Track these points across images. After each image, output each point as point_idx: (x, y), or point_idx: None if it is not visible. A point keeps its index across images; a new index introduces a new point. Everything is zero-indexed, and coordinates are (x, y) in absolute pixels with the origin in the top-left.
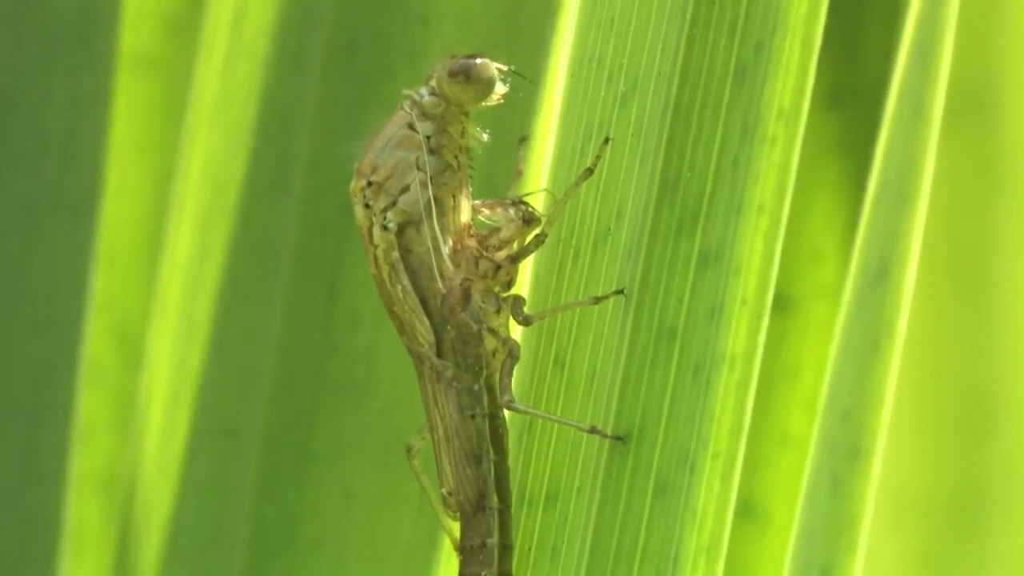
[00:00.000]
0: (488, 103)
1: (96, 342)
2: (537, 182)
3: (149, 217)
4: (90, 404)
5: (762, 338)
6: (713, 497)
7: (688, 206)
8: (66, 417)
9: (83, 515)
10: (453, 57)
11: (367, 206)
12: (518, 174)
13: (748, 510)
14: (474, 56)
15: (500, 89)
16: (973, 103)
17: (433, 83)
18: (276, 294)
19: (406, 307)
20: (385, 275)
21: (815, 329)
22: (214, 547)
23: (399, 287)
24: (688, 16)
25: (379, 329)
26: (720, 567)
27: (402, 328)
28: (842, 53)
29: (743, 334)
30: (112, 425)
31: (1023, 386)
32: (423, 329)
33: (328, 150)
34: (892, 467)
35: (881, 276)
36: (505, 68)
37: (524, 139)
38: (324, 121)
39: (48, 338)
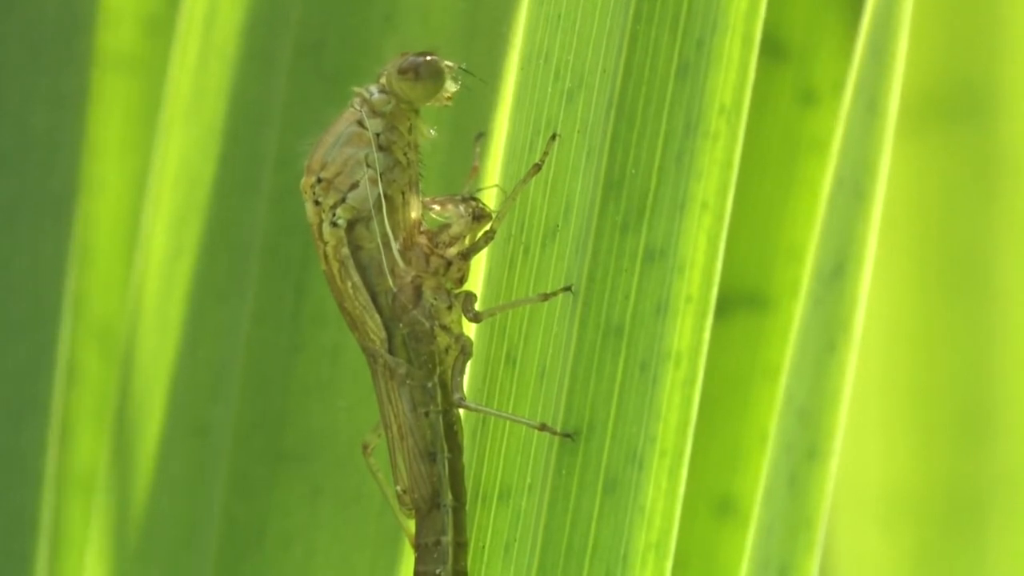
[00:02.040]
0: (438, 102)
1: (75, 341)
2: (494, 178)
3: (126, 216)
4: (70, 403)
5: (707, 335)
6: (661, 494)
7: (633, 203)
8: (47, 416)
9: (61, 513)
10: (403, 55)
11: (317, 203)
12: (474, 170)
13: (727, 508)
14: (424, 54)
15: (450, 87)
16: (973, 102)
17: (383, 80)
18: (246, 292)
19: (357, 303)
20: (335, 271)
21: (792, 328)
22: (185, 545)
23: (349, 283)
24: (631, 13)
25: (345, 328)
26: (669, 563)
27: (353, 324)
28: (821, 50)
29: (688, 331)
30: (91, 424)
31: (1018, 386)
32: (374, 325)
33: (296, 149)
34: (886, 466)
35: (837, 275)
36: (455, 66)
37: (481, 135)
38: (292, 119)
39: (29, 337)
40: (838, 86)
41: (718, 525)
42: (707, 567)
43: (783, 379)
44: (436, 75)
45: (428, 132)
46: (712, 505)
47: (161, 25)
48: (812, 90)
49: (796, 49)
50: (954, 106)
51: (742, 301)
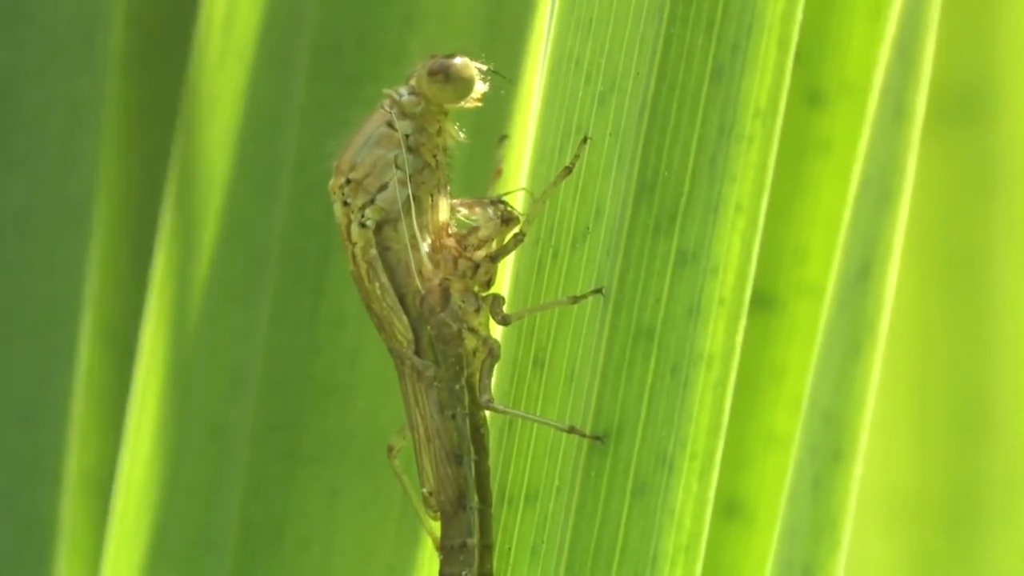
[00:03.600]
0: (467, 103)
1: (89, 343)
2: (517, 181)
3: (139, 217)
4: (84, 405)
5: (740, 338)
6: (691, 496)
7: (666, 205)
8: (62, 418)
9: (76, 515)
10: (433, 56)
11: (346, 203)
12: (498, 173)
13: (733, 509)
14: (454, 55)
15: (479, 88)
16: (972, 103)
17: (413, 82)
18: (263, 295)
19: (384, 304)
20: (363, 272)
21: (800, 328)
22: (203, 547)
23: (377, 284)
24: (665, 16)
25: (364, 330)
26: (698, 567)
27: (380, 325)
28: (827, 51)
29: (721, 333)
30: (103, 425)
31: (1017, 388)
32: (401, 326)
33: (314, 151)
34: (885, 469)
35: (863, 276)
36: (485, 68)
37: (504, 138)
38: (310, 122)
39: (44, 339)
40: (846, 87)
41: (725, 526)
42: (713, 569)
43: (789, 380)
44: (466, 77)
45: (457, 134)
46: (718, 506)
47: (174, 27)
48: (819, 91)
49: (803, 50)
50: (954, 109)
51: (749, 302)
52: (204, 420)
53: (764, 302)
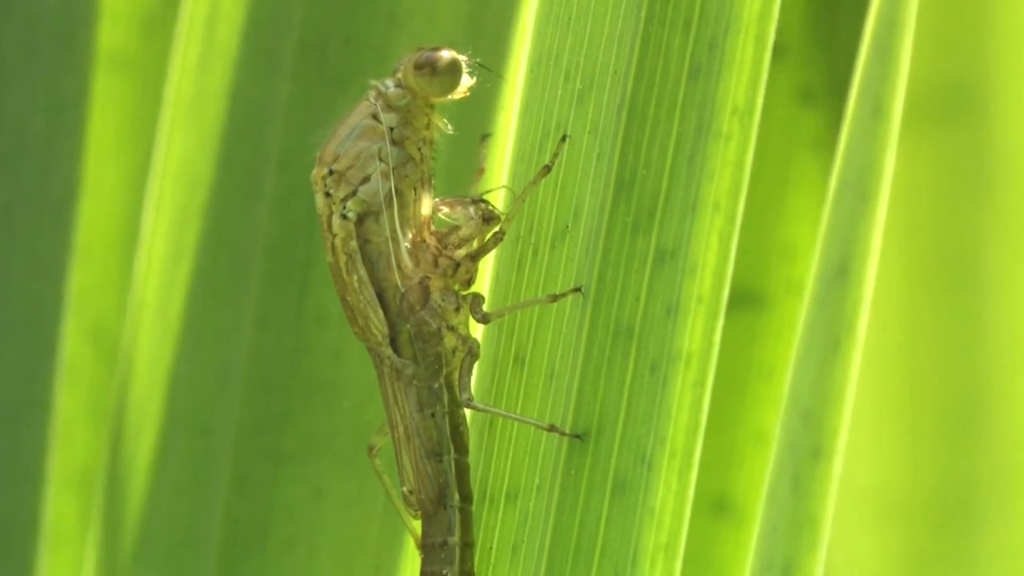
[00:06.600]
0: (454, 97)
1: (72, 341)
2: (499, 179)
3: (122, 216)
4: (66, 403)
5: (718, 336)
6: (671, 495)
7: (644, 204)
8: (45, 416)
9: (59, 513)
10: (420, 49)
11: (327, 194)
12: (480, 172)
13: (723, 508)
14: (440, 49)
15: (466, 82)
16: (963, 101)
17: (399, 75)
18: (248, 294)
19: (361, 297)
20: (342, 264)
21: (788, 326)
22: (187, 545)
23: (355, 277)
24: (643, 14)
25: (348, 329)
26: (678, 564)
27: (354, 318)
28: (818, 49)
29: (699, 332)
30: (87, 424)
31: (1009, 386)
32: (377, 320)
33: (299, 150)
34: (875, 466)
35: (841, 275)
36: (471, 61)
37: (486, 136)
38: (295, 121)
39: (27, 337)
40: (835, 85)
41: (714, 524)
42: (703, 567)
43: (778, 378)
44: (453, 70)
45: (444, 127)
46: (708, 505)
47: (158, 25)
48: (809, 89)
49: (793, 48)
50: (944, 108)
51: (737, 300)
52: (189, 419)
53: (753, 300)
